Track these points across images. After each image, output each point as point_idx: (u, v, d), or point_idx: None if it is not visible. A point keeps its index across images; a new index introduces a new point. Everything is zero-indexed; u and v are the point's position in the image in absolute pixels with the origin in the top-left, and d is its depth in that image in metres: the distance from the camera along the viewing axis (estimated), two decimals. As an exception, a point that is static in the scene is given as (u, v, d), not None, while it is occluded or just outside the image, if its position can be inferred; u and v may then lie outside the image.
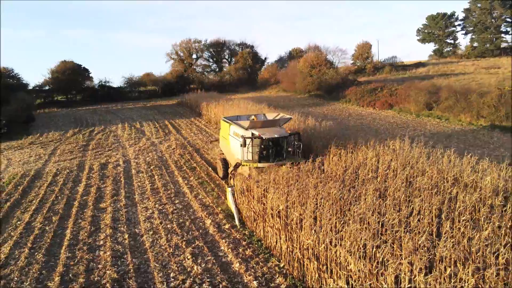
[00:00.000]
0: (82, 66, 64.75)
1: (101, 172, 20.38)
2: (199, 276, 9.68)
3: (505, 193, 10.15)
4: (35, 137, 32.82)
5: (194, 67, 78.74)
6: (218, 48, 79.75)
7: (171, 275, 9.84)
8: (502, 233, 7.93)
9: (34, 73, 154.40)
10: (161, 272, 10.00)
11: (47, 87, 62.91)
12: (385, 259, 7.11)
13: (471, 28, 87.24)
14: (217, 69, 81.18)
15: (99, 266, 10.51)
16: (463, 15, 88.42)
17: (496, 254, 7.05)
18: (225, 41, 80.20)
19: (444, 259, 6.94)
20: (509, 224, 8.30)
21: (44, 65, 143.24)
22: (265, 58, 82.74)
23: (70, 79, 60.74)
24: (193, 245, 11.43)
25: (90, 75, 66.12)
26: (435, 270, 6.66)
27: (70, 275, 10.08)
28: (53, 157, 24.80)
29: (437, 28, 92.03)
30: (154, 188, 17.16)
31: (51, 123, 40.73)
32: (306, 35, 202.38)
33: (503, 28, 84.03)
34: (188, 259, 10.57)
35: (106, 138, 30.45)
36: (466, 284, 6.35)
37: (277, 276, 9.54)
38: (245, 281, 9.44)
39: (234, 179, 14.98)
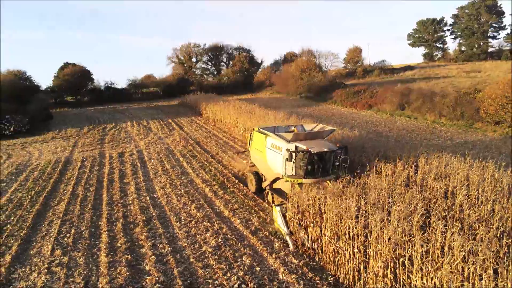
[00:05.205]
0: (84, 68, 68.83)
1: (120, 159, 24.99)
2: (201, 218, 14.36)
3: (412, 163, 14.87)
4: (55, 132, 37.40)
5: (194, 70, 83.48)
6: (216, 52, 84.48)
7: (182, 218, 14.52)
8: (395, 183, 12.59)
9: (34, 73, 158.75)
10: (175, 217, 14.68)
11: (56, 89, 67.33)
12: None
13: (459, 33, 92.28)
14: (216, 72, 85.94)
15: (132, 214, 15.19)
16: (452, 20, 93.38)
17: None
18: (223, 45, 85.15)
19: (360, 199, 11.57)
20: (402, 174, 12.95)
21: (42, 66, 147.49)
22: (261, 62, 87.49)
23: (79, 81, 65.31)
24: (196, 202, 16.08)
25: (92, 76, 70.06)
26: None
27: (113, 218, 14.77)
28: (76, 148, 29.41)
29: (427, 33, 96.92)
30: (164, 169, 21.76)
31: (67, 121, 45.32)
32: (304, 38, 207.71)
33: (490, 33, 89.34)
34: (193, 210, 15.24)
35: (118, 134, 35.03)
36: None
37: (253, 217, 14.22)
38: (232, 220, 14.14)
39: (273, 195, 14.61)
